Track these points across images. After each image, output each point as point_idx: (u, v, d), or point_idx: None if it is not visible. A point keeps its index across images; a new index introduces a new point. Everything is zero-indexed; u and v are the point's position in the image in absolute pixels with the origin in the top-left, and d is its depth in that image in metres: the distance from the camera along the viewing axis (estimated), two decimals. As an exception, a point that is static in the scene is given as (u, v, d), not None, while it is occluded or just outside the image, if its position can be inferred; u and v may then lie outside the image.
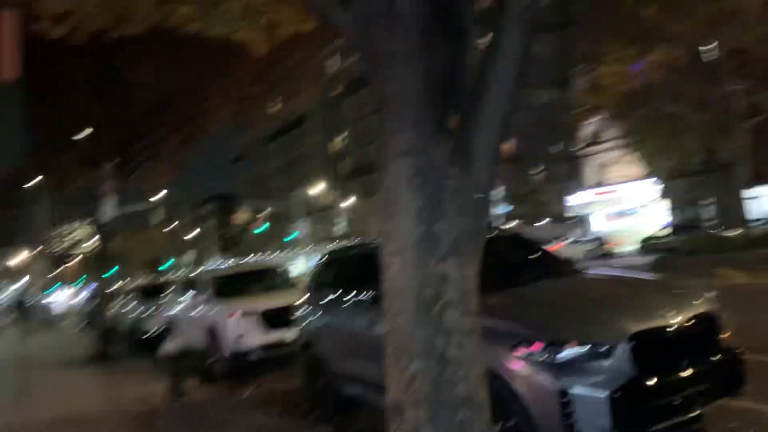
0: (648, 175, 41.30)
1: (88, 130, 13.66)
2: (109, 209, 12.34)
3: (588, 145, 46.21)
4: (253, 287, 11.54)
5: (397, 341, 3.26)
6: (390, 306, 3.33)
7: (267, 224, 62.74)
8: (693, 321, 4.47)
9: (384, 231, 3.30)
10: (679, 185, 36.98)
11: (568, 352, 4.16)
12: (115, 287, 17.42)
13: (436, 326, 3.13)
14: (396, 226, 3.21)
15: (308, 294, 7.51)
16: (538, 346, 4.24)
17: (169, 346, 8.50)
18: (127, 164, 14.50)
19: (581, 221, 48.19)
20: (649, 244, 34.28)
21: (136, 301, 15.75)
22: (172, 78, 13.08)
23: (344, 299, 6.48)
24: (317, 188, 68.26)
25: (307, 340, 7.10)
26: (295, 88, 15.58)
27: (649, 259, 28.35)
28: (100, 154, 13.28)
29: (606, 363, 4.12)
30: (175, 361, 8.71)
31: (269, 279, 11.90)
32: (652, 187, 42.19)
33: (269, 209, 74.63)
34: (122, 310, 16.60)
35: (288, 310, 9.89)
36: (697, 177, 37.14)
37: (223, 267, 13.34)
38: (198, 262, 76.86)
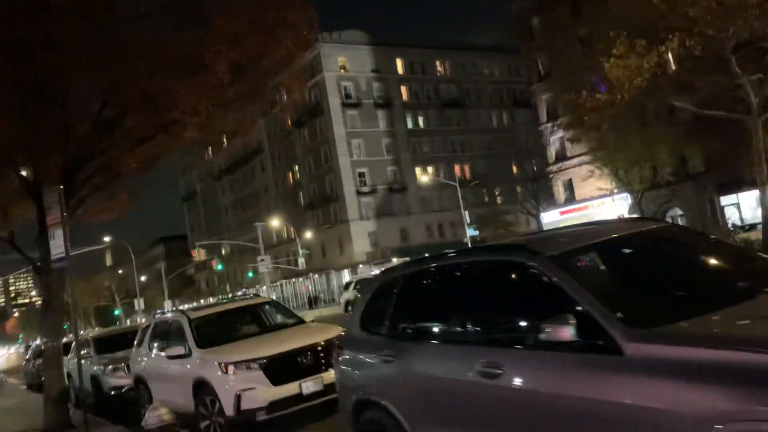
0: (618, 190, 40.64)
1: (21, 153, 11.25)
2: (56, 247, 9.84)
3: (555, 163, 45.42)
4: (245, 329, 9.37)
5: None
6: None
7: (220, 265, 59.47)
8: None
9: None
10: (650, 197, 36.31)
11: None
12: (65, 340, 14.80)
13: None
14: None
15: (351, 332, 5.37)
16: None
17: (153, 417, 6.24)
18: (74, 194, 11.97)
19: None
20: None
21: (92, 356, 13.24)
22: (131, 86, 10.82)
23: (426, 333, 4.42)
24: (273, 222, 65.61)
25: (362, 397, 4.94)
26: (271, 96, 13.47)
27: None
28: (39, 182, 10.84)
29: None
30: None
31: (264, 317, 9.65)
32: (622, 202, 41.53)
33: (227, 247, 71.15)
34: (73, 367, 14.03)
35: (303, 353, 7.79)
36: (668, 188, 36.61)
37: (202, 306, 11.18)
38: (149, 308, 72.58)
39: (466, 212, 49.19)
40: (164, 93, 10.27)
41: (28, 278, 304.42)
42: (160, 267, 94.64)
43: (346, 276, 68.89)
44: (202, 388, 7.99)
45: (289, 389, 7.54)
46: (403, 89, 77.03)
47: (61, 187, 9.95)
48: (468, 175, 76.58)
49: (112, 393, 12.51)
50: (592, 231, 4.33)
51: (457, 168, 77.51)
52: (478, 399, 3.80)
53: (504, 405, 3.63)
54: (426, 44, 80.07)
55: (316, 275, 75.25)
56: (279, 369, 7.59)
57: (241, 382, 7.50)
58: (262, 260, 39.90)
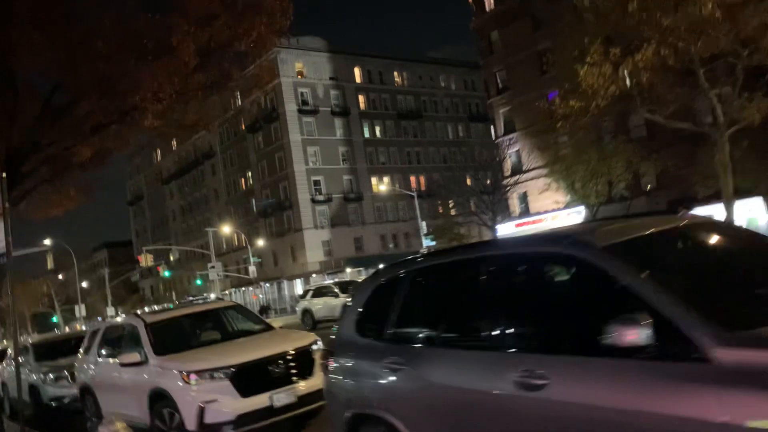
0: (574, 203, 41.07)
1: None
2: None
3: (511, 176, 45.67)
4: (207, 335, 8.55)
5: None
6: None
7: (167, 272, 57.44)
8: None
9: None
10: (606, 212, 36.78)
11: None
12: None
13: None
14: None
15: (343, 337, 4.72)
16: None
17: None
18: (18, 185, 10.97)
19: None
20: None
21: (31, 364, 12.07)
22: (87, 69, 9.93)
23: (444, 337, 3.89)
24: (224, 229, 63.94)
25: (358, 411, 4.30)
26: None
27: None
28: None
29: None
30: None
31: (228, 322, 8.84)
32: (578, 216, 42.01)
33: (175, 253, 68.90)
34: (10, 376, 12.86)
35: (274, 362, 7.09)
36: (622, 203, 37.19)
37: (159, 310, 10.39)
38: (90, 315, 69.53)
39: (424, 222, 48.82)
40: (124, 76, 9.47)
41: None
42: (104, 273, 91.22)
43: (298, 285, 67.67)
44: (159, 400, 7.17)
45: (259, 401, 6.81)
46: (361, 98, 76.65)
47: (3, 175, 8.98)
48: (423, 186, 76.65)
49: (53, 404, 11.42)
50: (640, 224, 3.82)
51: (412, 179, 77.51)
52: (514, 414, 3.23)
53: (548, 422, 3.07)
54: (384, 54, 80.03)
55: (267, 284, 73.74)
56: (248, 379, 6.86)
57: (205, 393, 6.74)
58: (213, 267, 38.53)
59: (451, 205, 75.48)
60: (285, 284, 71.96)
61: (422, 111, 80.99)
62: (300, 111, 71.28)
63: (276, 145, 72.36)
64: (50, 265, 34.21)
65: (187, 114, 12.96)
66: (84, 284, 74.76)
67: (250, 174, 77.91)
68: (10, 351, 14.35)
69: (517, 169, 45.87)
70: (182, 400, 6.80)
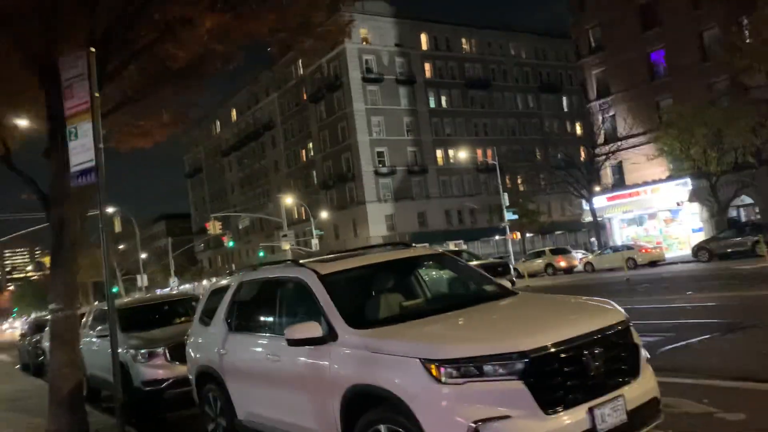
0: (680, 174, 36.73)
1: None
2: (79, 152, 5.89)
3: (605, 143, 41.42)
4: (412, 298, 5.74)
5: None
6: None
7: (232, 242, 55.42)
8: None
9: None
10: (725, 182, 32.41)
11: None
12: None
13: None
14: None
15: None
16: None
17: None
18: (102, 88, 7.93)
19: (596, 229, 43.16)
20: (706, 249, 29.30)
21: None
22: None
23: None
24: (287, 200, 61.47)
25: None
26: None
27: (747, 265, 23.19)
28: (52, 56, 6.87)
29: None
30: None
31: (437, 279, 5.93)
32: (684, 188, 37.65)
33: (244, 222, 67.00)
34: (89, 347, 10.29)
35: (588, 348, 3.84)
36: (742, 173, 32.66)
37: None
38: (151, 286, 68.69)
39: (505, 194, 45.16)
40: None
41: (25, 252, 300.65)
42: (161, 245, 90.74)
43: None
44: (368, 407, 4.09)
45: (574, 422, 3.64)
46: (427, 66, 72.85)
47: (93, 50, 5.98)
48: (490, 158, 72.59)
49: (146, 389, 8.63)
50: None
51: (479, 152, 73.42)
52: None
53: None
54: (451, 20, 75.85)
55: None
56: (550, 378, 3.68)
57: (479, 403, 3.60)
58: (285, 235, 35.82)
59: (520, 180, 71.62)
60: (347, 259, 69.44)
61: (491, 80, 76.64)
62: (364, 79, 68.05)
63: (339, 114, 69.44)
64: (118, 227, 32.12)
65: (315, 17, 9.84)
66: (143, 255, 73.97)
67: (311, 145, 75.35)
68: (86, 317, 11.71)
69: (612, 137, 41.58)
70: (429, 413, 3.68)
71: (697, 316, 11.27)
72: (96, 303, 14.82)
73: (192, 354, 6.66)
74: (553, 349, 3.68)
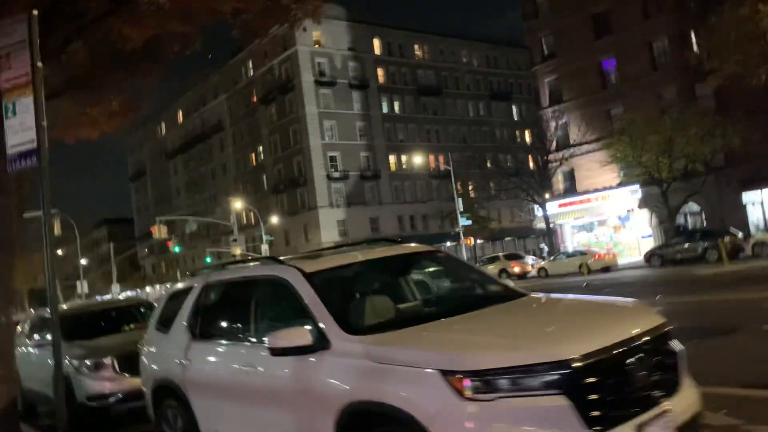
0: (630, 181, 37.41)
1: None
2: (17, 131, 5.06)
3: (556, 150, 41.87)
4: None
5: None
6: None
7: (177, 247, 53.52)
8: None
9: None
10: (675, 190, 33.06)
11: None
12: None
13: None
14: None
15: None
16: None
17: None
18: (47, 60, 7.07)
19: (549, 235, 43.56)
20: (658, 255, 29.78)
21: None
22: None
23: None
24: (236, 204, 59.86)
25: None
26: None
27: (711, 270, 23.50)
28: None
29: None
30: None
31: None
32: (633, 195, 38.37)
33: (191, 227, 64.84)
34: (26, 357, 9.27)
35: (630, 356, 3.30)
36: (690, 182, 33.37)
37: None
38: (91, 293, 65.72)
39: (460, 200, 45.08)
40: None
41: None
42: (103, 250, 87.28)
43: (311, 266, 63.76)
44: (369, 428, 3.45)
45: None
46: (380, 71, 72.57)
47: (35, 12, 5.17)
48: (442, 165, 72.77)
49: (92, 404, 7.72)
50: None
51: (431, 158, 73.43)
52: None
53: None
54: (405, 26, 75.87)
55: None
56: (594, 392, 3.12)
57: (509, 424, 3.01)
58: (235, 240, 34.64)
59: (471, 186, 72.03)
60: (297, 265, 68.21)
61: (443, 87, 76.92)
62: (317, 82, 67.19)
63: (290, 117, 68.32)
64: (57, 231, 30.34)
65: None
66: (83, 262, 70.84)
67: (261, 149, 73.87)
68: (21, 326, 10.60)
69: (564, 144, 42.05)
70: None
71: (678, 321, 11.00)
72: (32, 311, 13.62)
73: (147, 365, 5.85)
74: (597, 357, 3.13)
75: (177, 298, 5.82)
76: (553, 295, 4.57)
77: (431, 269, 5.24)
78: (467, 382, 3.06)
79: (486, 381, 3.05)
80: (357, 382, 3.53)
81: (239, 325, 4.86)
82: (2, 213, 6.44)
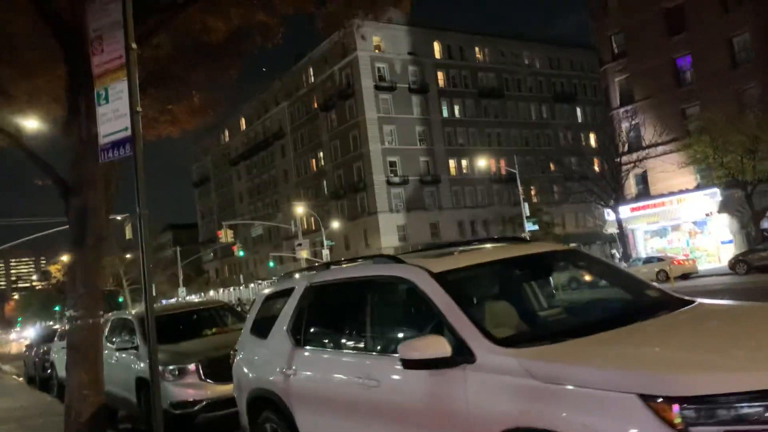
0: (708, 184, 35.44)
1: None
2: (110, 118, 4.70)
3: (628, 152, 40.10)
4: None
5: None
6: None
7: (242, 251, 54.22)
8: None
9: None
10: (762, 191, 31.04)
11: None
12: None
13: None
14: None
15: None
16: None
17: None
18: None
19: (622, 240, 41.77)
20: (744, 261, 27.93)
21: (138, 347, 8.23)
22: None
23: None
24: (298, 209, 60.25)
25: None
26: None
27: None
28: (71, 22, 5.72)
29: None
30: None
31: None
32: (711, 199, 36.31)
33: (257, 231, 65.70)
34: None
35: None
36: (766, 185, 31.24)
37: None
38: (157, 297, 67.36)
39: (526, 204, 43.85)
40: None
41: (30, 261, 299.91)
42: (167, 255, 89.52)
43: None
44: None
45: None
46: (440, 75, 71.87)
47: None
48: (504, 169, 71.37)
49: (176, 411, 7.36)
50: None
51: (492, 162, 72.11)
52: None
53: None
54: (465, 29, 75.01)
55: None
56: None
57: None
58: (300, 244, 34.57)
59: (533, 191, 70.37)
60: (357, 270, 68.07)
61: (504, 90, 75.56)
62: (377, 87, 67.05)
63: (350, 123, 68.41)
64: (128, 235, 30.95)
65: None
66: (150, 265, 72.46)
67: (321, 154, 74.28)
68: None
69: (636, 146, 40.27)
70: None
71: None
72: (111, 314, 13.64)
73: (243, 372, 5.40)
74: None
75: (274, 300, 5.36)
76: (725, 302, 3.84)
77: (568, 271, 4.58)
78: (680, 410, 2.40)
79: (705, 410, 2.39)
80: (517, 405, 2.92)
81: (353, 331, 4.33)
82: (89, 210, 6.16)
